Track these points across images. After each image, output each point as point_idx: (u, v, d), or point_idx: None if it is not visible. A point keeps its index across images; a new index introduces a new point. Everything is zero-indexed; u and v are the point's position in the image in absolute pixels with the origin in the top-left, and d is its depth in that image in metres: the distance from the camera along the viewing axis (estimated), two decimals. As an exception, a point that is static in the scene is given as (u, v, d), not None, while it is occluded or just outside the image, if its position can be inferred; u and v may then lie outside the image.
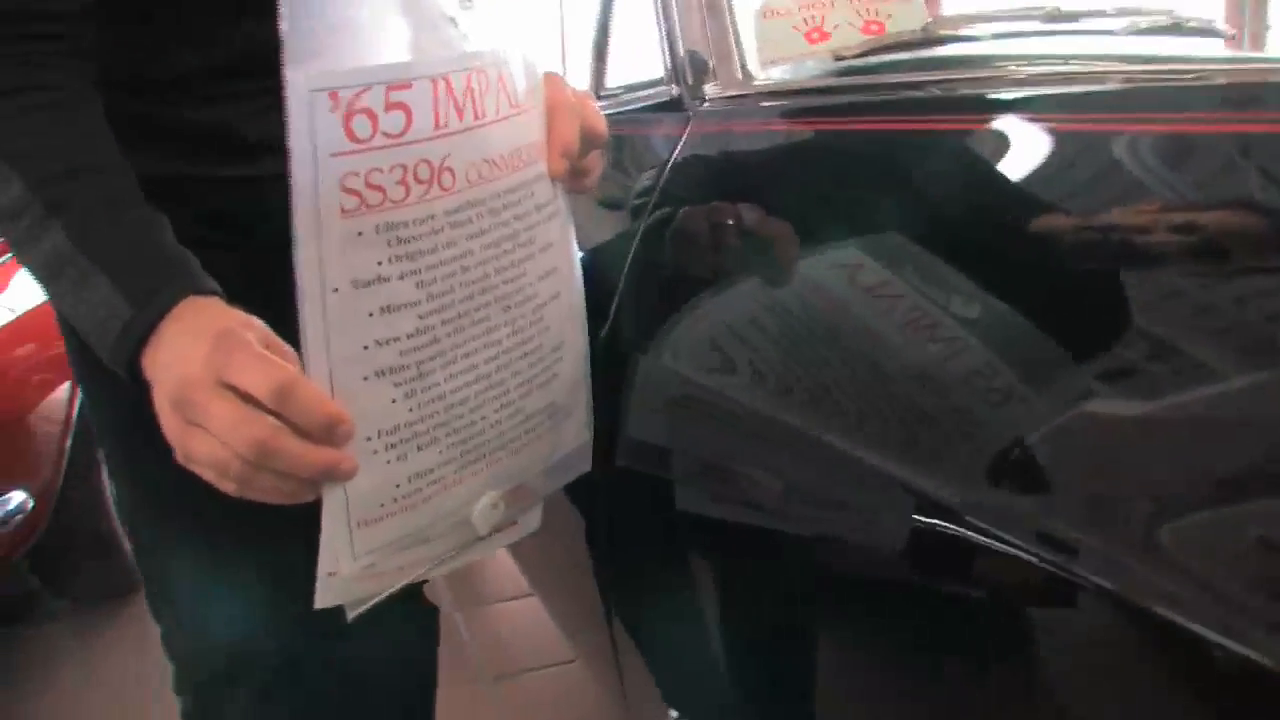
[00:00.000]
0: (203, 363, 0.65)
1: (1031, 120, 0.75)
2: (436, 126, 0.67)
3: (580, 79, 1.44)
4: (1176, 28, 1.20)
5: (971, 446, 0.64)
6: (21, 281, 2.35)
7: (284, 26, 0.59)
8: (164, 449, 0.70)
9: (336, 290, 0.65)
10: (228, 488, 0.67)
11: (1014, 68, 0.95)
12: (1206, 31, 1.24)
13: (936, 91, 0.88)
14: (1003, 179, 0.72)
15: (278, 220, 0.69)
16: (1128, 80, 0.80)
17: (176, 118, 0.89)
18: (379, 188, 0.65)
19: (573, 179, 0.84)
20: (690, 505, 0.86)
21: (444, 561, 0.80)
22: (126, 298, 0.71)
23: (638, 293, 0.98)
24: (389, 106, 0.64)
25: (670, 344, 0.90)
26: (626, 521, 1.00)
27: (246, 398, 0.64)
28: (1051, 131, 0.73)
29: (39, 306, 2.34)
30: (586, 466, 0.90)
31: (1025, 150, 0.73)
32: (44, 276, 0.76)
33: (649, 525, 0.96)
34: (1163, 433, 0.54)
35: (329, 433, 0.65)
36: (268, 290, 0.69)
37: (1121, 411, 0.56)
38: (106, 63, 0.83)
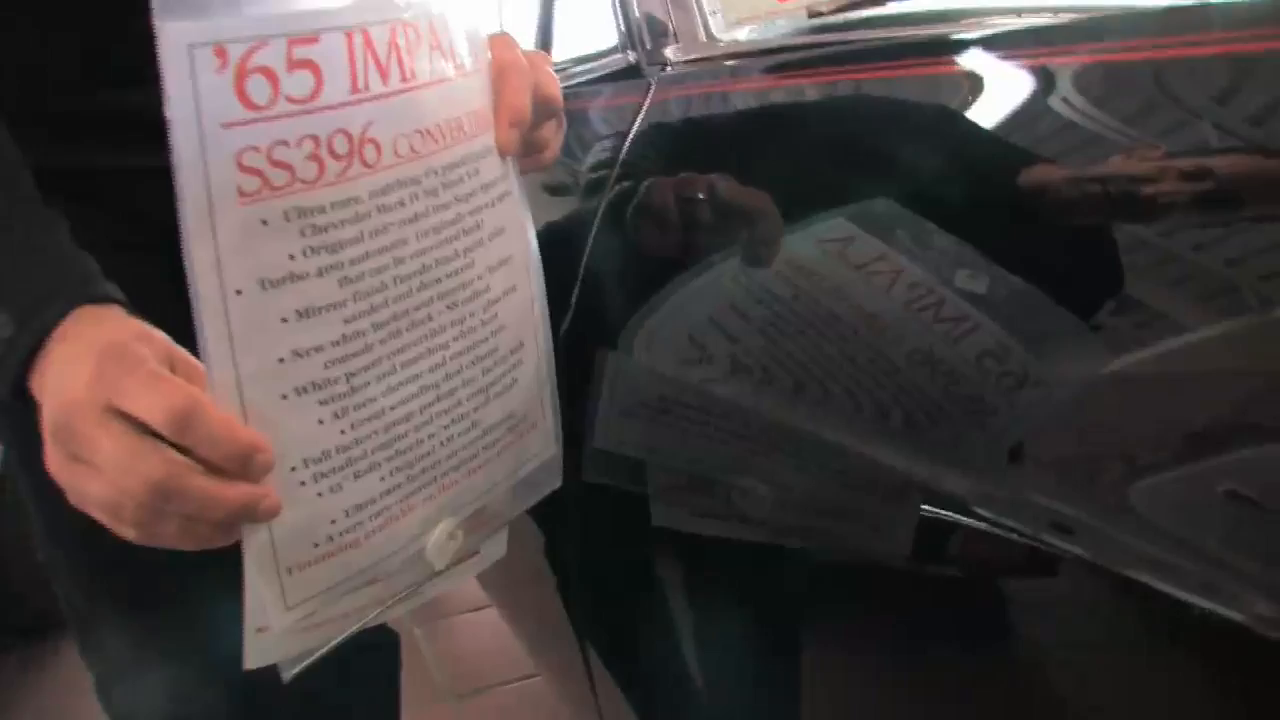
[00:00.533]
0: (87, 385, 0.54)
1: (1050, 55, 0.66)
2: (354, 90, 0.56)
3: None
4: None
5: (989, 438, 0.59)
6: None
7: None
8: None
9: (240, 292, 0.54)
10: (126, 534, 0.56)
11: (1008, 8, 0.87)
12: None
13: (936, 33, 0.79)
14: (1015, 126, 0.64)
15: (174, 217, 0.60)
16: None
17: (84, 105, 0.78)
18: (286, 165, 0.54)
19: (526, 153, 0.72)
20: (670, 521, 0.77)
21: (397, 603, 0.69)
22: (10, 311, 0.61)
23: (601, 279, 0.88)
24: (292, 65, 0.53)
25: (642, 337, 0.80)
26: (597, 540, 0.91)
27: (142, 426, 0.54)
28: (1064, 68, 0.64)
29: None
30: (557, 482, 0.79)
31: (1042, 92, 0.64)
32: None
33: (624, 545, 0.86)
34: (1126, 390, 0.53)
35: (244, 465, 0.54)
36: (172, 292, 0.57)
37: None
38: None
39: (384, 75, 0.57)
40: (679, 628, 0.85)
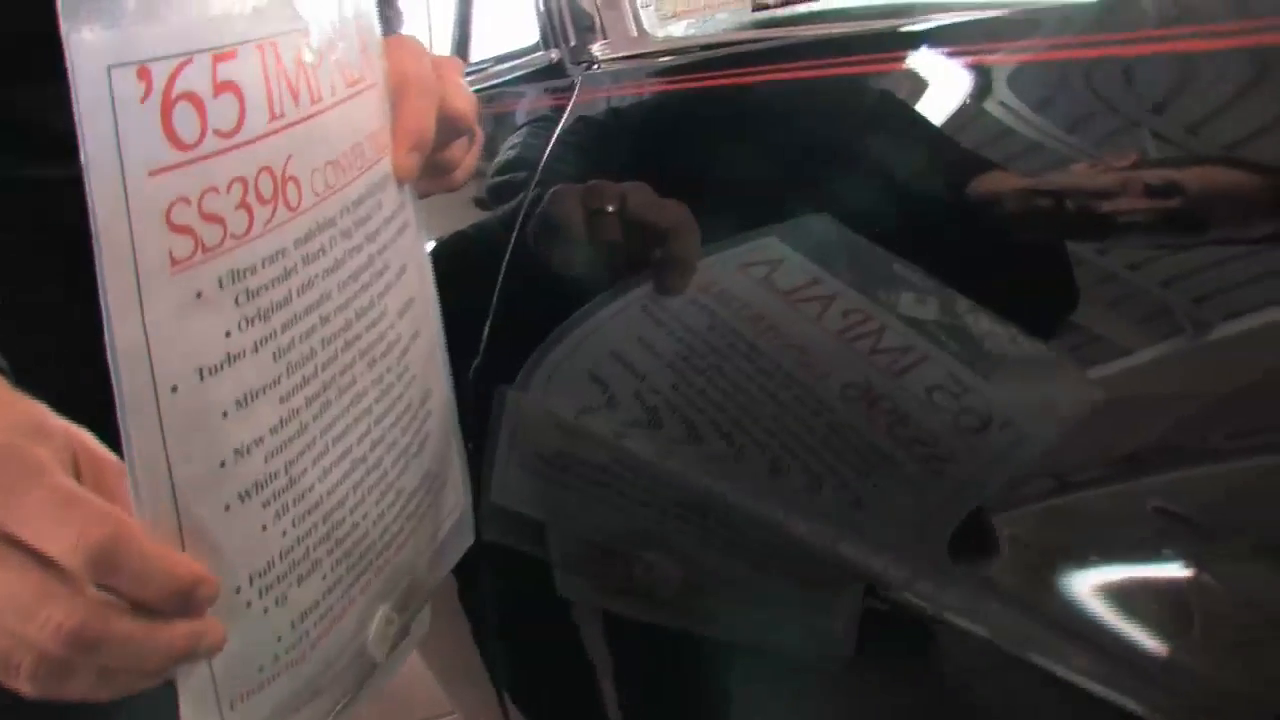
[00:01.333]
0: None
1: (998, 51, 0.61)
2: (272, 116, 0.45)
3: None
4: None
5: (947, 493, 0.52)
6: None
7: None
8: None
9: (176, 389, 0.42)
10: (20, 689, 0.44)
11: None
12: None
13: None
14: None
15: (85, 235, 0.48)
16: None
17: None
18: (217, 218, 0.43)
19: (432, 177, 0.62)
20: (572, 593, 0.69)
21: (343, 709, 0.59)
22: None
23: (515, 307, 0.78)
24: (217, 88, 0.42)
25: (542, 375, 0.70)
26: (509, 591, 0.82)
27: (39, 556, 0.42)
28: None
29: None
30: (470, 539, 0.70)
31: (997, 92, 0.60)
32: None
33: (536, 599, 0.77)
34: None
35: (184, 602, 0.44)
36: (99, 338, 0.47)
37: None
38: None
39: (295, 97, 0.46)
40: (598, 676, 0.77)
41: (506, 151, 0.87)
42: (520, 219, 0.79)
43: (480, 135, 0.67)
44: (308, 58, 0.48)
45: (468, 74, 1.16)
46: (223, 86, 0.42)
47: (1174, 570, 0.43)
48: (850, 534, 0.54)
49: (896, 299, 0.57)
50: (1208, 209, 0.48)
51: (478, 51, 1.20)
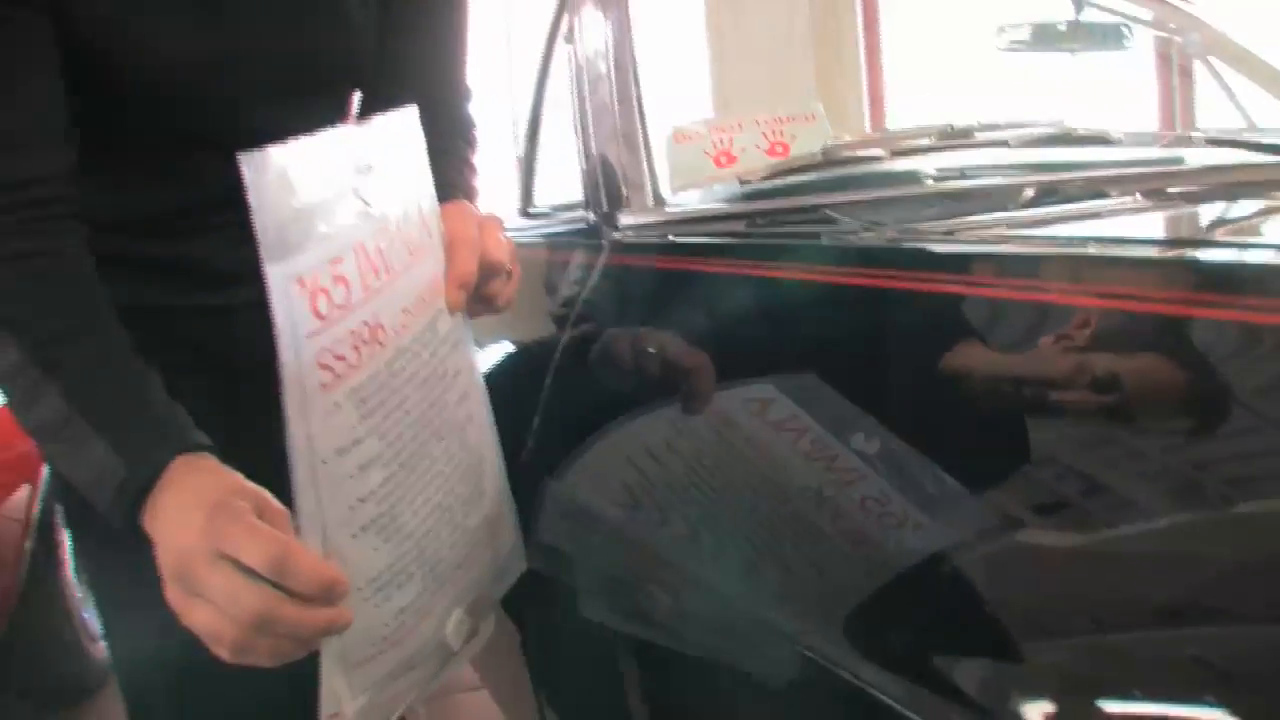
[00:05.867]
0: (199, 535, 0.67)
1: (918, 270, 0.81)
2: (365, 290, 0.72)
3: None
4: (1066, 137, 1.28)
5: (865, 574, 0.68)
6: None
7: (256, 223, 0.64)
8: (149, 595, 0.71)
9: (325, 462, 0.70)
10: (223, 654, 0.69)
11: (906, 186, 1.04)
12: (1096, 140, 1.32)
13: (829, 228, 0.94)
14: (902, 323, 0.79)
15: (245, 346, 0.78)
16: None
17: (153, 252, 0.96)
18: (342, 357, 0.70)
19: (477, 305, 0.88)
20: (594, 614, 0.92)
21: (429, 682, 0.86)
22: (122, 459, 0.74)
23: (550, 416, 1.04)
24: (334, 280, 0.69)
25: (576, 470, 0.95)
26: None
27: (245, 568, 0.67)
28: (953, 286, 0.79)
29: (-4, 409, 2.39)
30: (523, 566, 0.95)
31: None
32: (42, 437, 0.80)
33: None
34: (1099, 563, 0.57)
35: (327, 595, 0.68)
36: (246, 418, 0.78)
37: (1057, 543, 0.59)
38: (86, 203, 0.87)
39: (376, 273, 0.74)
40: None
41: (559, 302, 1.13)
42: (560, 349, 1.06)
43: (517, 273, 0.92)
44: (383, 244, 0.75)
45: (532, 215, 1.43)
46: (337, 279, 0.70)
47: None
48: (787, 591, 0.72)
49: (850, 436, 0.73)
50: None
51: (541, 198, 1.46)
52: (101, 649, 2.66)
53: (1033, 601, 0.57)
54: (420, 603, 0.80)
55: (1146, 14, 1.90)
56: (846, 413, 0.74)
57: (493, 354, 1.25)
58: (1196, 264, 0.72)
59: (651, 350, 0.95)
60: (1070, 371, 0.66)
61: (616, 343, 1.01)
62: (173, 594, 0.70)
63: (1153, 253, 0.81)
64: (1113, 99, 2.72)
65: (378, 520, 0.74)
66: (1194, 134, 1.36)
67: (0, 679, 2.48)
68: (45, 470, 2.49)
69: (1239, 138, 1.27)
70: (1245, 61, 1.78)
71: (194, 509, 0.69)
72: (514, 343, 1.21)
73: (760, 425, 0.80)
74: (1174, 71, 2.49)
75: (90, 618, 2.63)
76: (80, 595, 2.59)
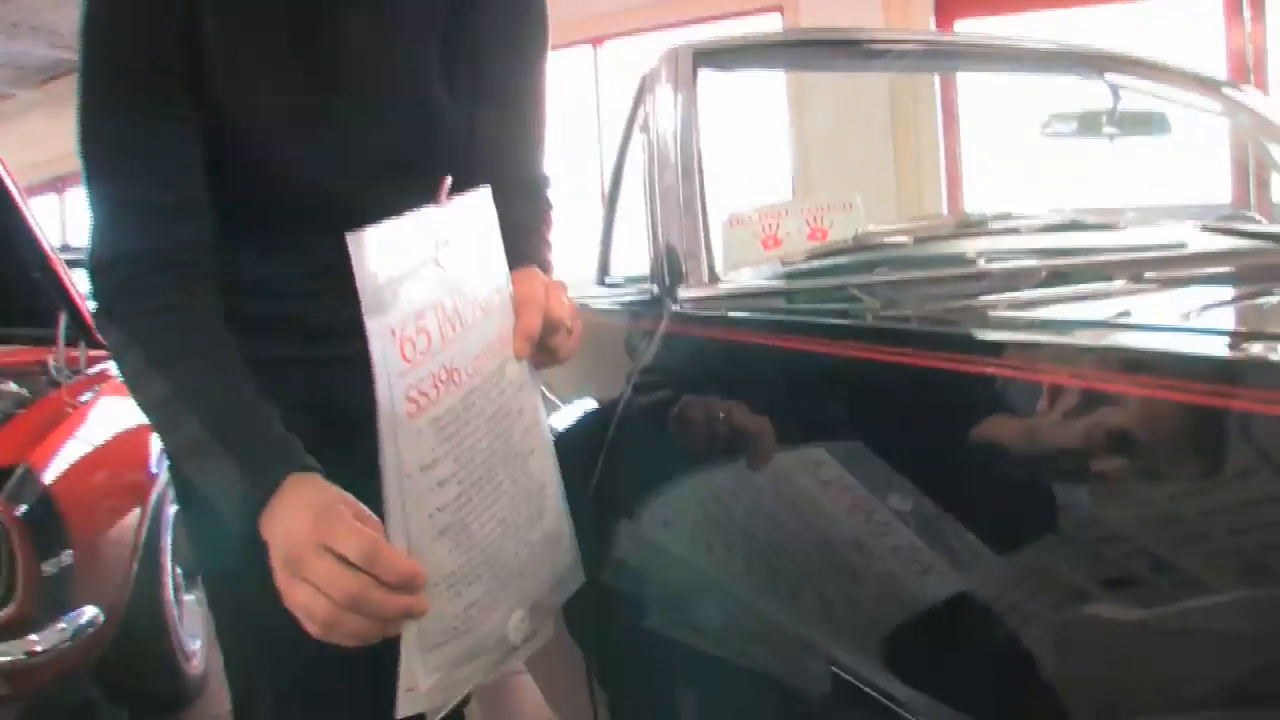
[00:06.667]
0: (308, 529, 0.84)
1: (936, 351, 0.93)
2: (443, 340, 0.90)
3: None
4: (1075, 225, 1.42)
5: (891, 607, 0.77)
6: (96, 418, 2.62)
7: (358, 286, 0.83)
8: (261, 588, 0.88)
9: (409, 476, 0.87)
10: (314, 630, 0.84)
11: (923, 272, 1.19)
12: (1103, 226, 1.45)
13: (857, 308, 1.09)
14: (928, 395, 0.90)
15: (341, 390, 0.97)
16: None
17: (266, 310, 1.15)
18: (424, 393, 0.88)
19: (542, 356, 1.03)
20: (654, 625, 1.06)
21: (492, 671, 1.02)
22: (248, 476, 0.92)
23: (614, 460, 1.21)
24: (418, 332, 0.87)
25: (649, 506, 1.10)
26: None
27: (342, 559, 0.82)
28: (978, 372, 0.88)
29: (110, 441, 2.61)
30: (581, 578, 1.10)
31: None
32: (180, 456, 1.00)
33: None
34: (1162, 639, 0.60)
35: (408, 585, 0.84)
36: (343, 448, 0.95)
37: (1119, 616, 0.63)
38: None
39: (452, 327, 0.91)
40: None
41: (624, 364, 1.29)
42: (621, 406, 1.24)
43: (578, 330, 1.06)
44: (458, 303, 0.93)
45: (608, 284, 1.61)
46: (420, 330, 0.88)
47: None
48: (823, 615, 0.82)
49: (887, 495, 0.82)
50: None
51: (617, 269, 1.64)
52: (195, 666, 2.86)
53: (1029, 636, 0.65)
54: (486, 600, 0.96)
55: (1188, 99, 1.99)
56: (884, 475, 0.84)
57: (573, 406, 1.42)
58: (1164, 353, 0.81)
59: (721, 414, 1.10)
60: (1042, 442, 0.76)
61: (691, 406, 1.16)
62: (280, 576, 0.87)
63: (1128, 338, 0.92)
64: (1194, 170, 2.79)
65: (451, 527, 0.91)
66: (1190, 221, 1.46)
67: (103, 690, 2.69)
68: (152, 498, 2.72)
69: (1233, 226, 1.39)
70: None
71: (304, 509, 0.87)
72: (589, 396, 1.38)
73: (812, 484, 0.92)
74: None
75: (185, 637, 2.83)
76: (177, 615, 2.79)
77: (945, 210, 5.14)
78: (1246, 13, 4.62)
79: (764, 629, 0.88)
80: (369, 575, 0.82)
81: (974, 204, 5.14)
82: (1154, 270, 1.13)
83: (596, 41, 6.16)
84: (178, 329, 1.02)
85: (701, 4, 5.73)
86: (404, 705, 0.91)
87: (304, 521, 0.85)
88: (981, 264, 1.19)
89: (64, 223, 8.92)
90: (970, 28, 5.28)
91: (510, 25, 1.21)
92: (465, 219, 0.95)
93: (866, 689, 0.71)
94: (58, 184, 8.93)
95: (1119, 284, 1.10)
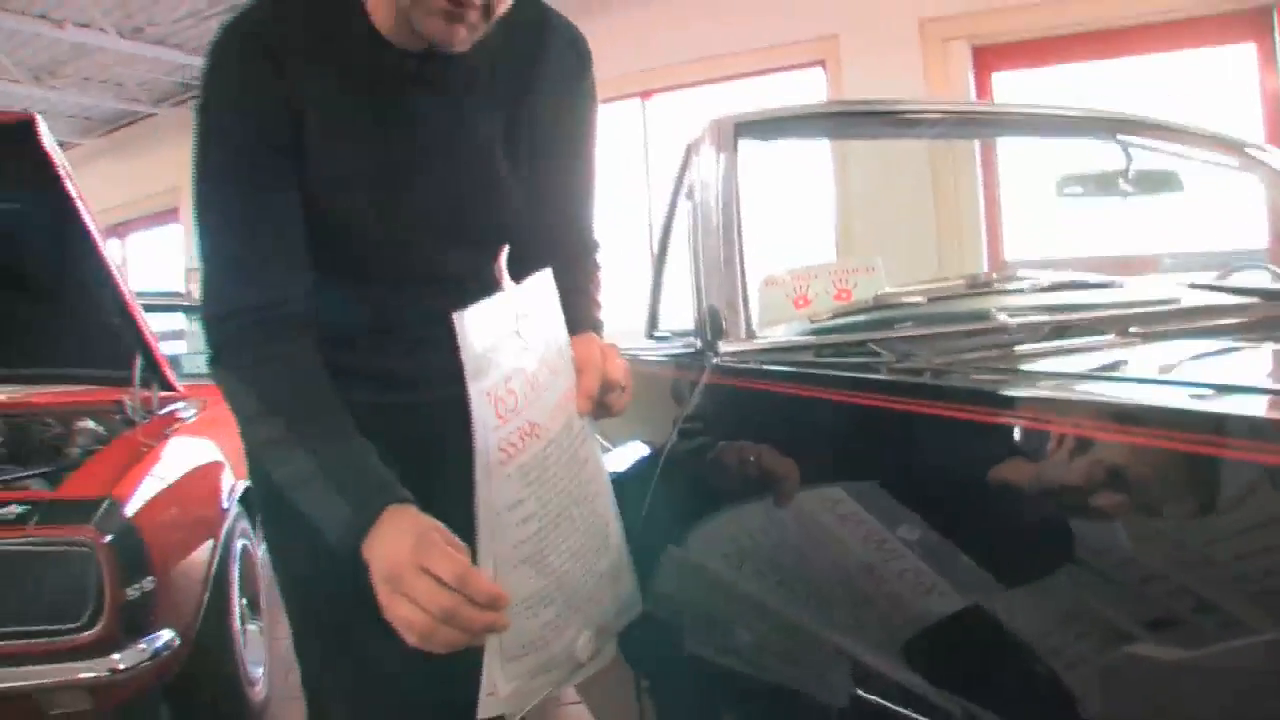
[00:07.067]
0: (409, 553, 0.98)
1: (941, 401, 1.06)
2: (525, 400, 1.04)
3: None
4: (1076, 284, 1.55)
5: (898, 623, 0.87)
6: (169, 457, 2.79)
7: (463, 355, 0.97)
8: (340, 603, 1.05)
9: (498, 514, 1.01)
10: (412, 640, 0.98)
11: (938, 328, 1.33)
12: (1102, 284, 1.57)
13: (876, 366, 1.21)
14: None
15: (424, 431, 1.12)
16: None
17: (357, 362, 1.29)
18: (514, 444, 1.02)
19: (599, 410, 1.17)
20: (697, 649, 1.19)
21: (562, 683, 1.16)
22: (352, 506, 1.06)
23: (659, 497, 1.35)
24: (507, 393, 1.02)
25: (689, 538, 1.24)
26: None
27: (438, 579, 0.96)
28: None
29: (184, 478, 2.78)
30: (640, 607, 1.22)
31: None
32: (288, 485, 1.12)
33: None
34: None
35: (493, 604, 0.98)
36: (428, 481, 1.09)
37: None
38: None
39: (532, 388, 1.06)
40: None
41: (669, 409, 1.44)
42: (668, 445, 1.37)
43: (629, 388, 1.20)
44: (536, 367, 1.07)
45: (655, 337, 1.75)
46: (509, 392, 1.02)
47: None
48: (840, 630, 0.91)
49: (898, 527, 0.93)
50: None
51: (666, 323, 1.79)
52: (258, 691, 3.00)
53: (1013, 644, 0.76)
54: (558, 621, 1.10)
55: (1212, 158, 2.08)
56: (895, 509, 0.95)
57: (625, 448, 1.55)
58: (1144, 406, 0.89)
59: (754, 456, 1.23)
60: (1029, 479, 0.87)
61: (729, 448, 1.30)
62: (381, 592, 1.00)
63: (1113, 389, 1.02)
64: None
65: (531, 558, 1.05)
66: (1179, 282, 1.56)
67: (173, 710, 2.82)
68: (223, 532, 2.88)
69: (1217, 283, 1.50)
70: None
71: (405, 535, 1.01)
72: (640, 438, 1.52)
73: (832, 519, 1.04)
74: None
75: (249, 664, 2.97)
76: (242, 643, 2.94)
77: (985, 262, 5.24)
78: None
79: (790, 647, 0.98)
80: (461, 594, 0.96)
81: (1014, 254, 5.25)
82: (1143, 325, 1.26)
83: (645, 95, 6.34)
84: (286, 377, 1.17)
85: (747, 59, 5.90)
86: (484, 708, 1.05)
87: (404, 546, 0.99)
88: (988, 321, 1.32)
89: (125, 267, 9.21)
90: (1008, 80, 5.44)
91: (564, 104, 1.37)
92: (536, 295, 1.09)
93: (883, 701, 0.81)
94: (119, 229, 9.25)
95: (1109, 338, 1.23)
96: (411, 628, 0.97)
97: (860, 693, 0.85)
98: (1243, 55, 4.83)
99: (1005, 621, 0.79)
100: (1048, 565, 0.78)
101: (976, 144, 5.03)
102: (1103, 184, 2.12)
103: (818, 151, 4.94)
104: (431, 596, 0.96)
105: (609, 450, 1.49)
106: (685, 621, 1.20)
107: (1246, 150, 2.07)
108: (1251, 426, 0.77)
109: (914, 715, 0.78)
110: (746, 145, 1.69)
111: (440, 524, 1.02)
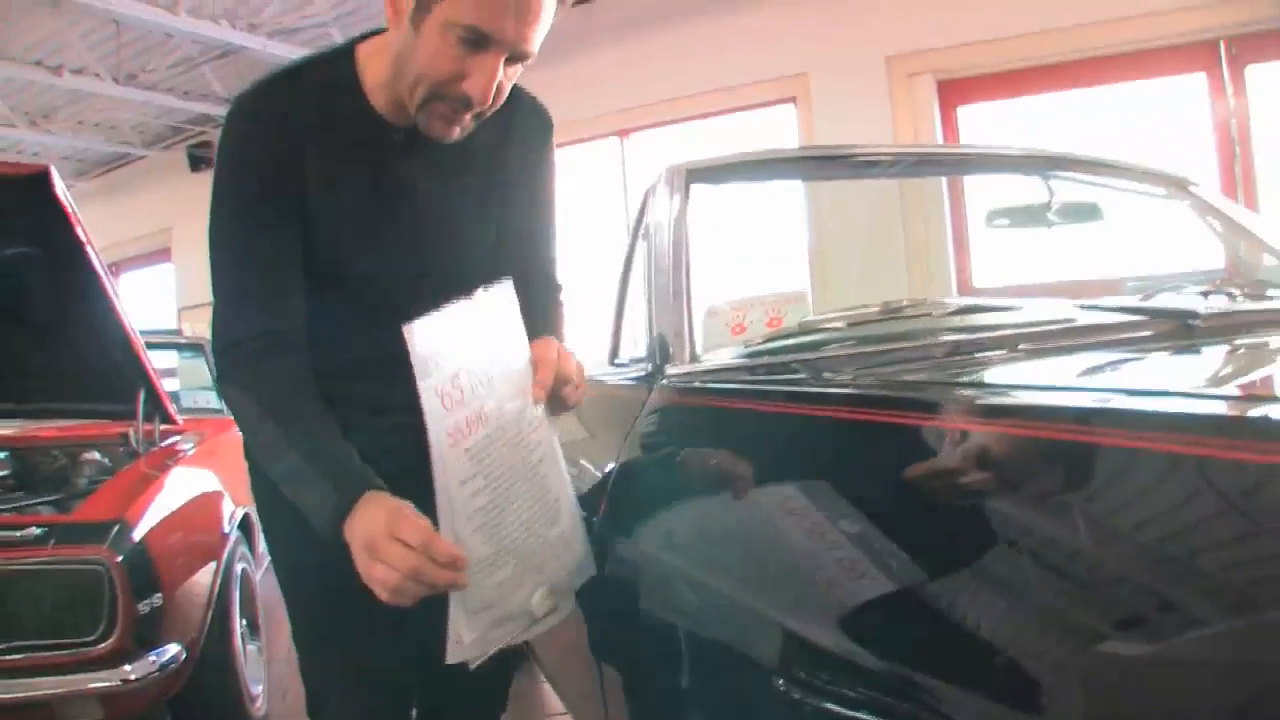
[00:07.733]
0: (382, 526, 1.18)
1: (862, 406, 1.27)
2: (474, 393, 1.23)
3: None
4: (976, 308, 1.74)
5: (833, 601, 0.97)
6: (172, 485, 2.97)
7: (412, 359, 1.17)
8: (329, 592, 1.27)
9: (453, 488, 1.20)
10: (385, 596, 1.19)
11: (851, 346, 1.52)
12: (1001, 308, 1.75)
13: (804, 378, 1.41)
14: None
15: (394, 446, 1.30)
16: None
17: (335, 390, 1.47)
18: (460, 430, 1.21)
19: (554, 404, 1.35)
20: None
21: (520, 634, 1.34)
22: (338, 492, 1.26)
23: (616, 494, 1.53)
24: (453, 387, 1.21)
25: (647, 524, 1.43)
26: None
27: (406, 545, 1.16)
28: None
29: (187, 504, 2.97)
30: (593, 570, 1.41)
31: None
32: (282, 478, 1.33)
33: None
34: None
35: (453, 564, 1.18)
36: (400, 485, 1.27)
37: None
38: None
39: (481, 384, 1.24)
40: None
41: (621, 426, 1.63)
42: (620, 457, 1.56)
43: (584, 386, 1.39)
44: (484, 365, 1.24)
45: (616, 364, 1.94)
46: (455, 387, 1.21)
47: None
48: (779, 601, 1.03)
49: (837, 520, 1.01)
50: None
51: (625, 351, 1.98)
52: (258, 707, 3.17)
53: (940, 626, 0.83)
54: (512, 580, 1.28)
55: (1158, 191, 2.26)
56: (830, 502, 1.06)
57: (586, 456, 1.72)
58: (1034, 406, 1.01)
59: (697, 462, 1.41)
60: (928, 470, 0.98)
61: (674, 456, 1.49)
62: (360, 559, 1.21)
63: (990, 395, 1.17)
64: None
65: (485, 526, 1.24)
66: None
67: (176, 720, 2.99)
68: (224, 555, 3.05)
69: (1103, 303, 1.63)
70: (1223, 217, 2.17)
71: (379, 512, 1.21)
72: (598, 448, 1.71)
73: (765, 512, 1.16)
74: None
75: (249, 680, 3.13)
76: (243, 660, 3.11)
77: (955, 289, 5.43)
78: (1229, 89, 4.92)
79: (732, 610, 1.11)
80: (426, 556, 1.16)
81: (981, 281, 5.44)
82: (1033, 343, 1.45)
83: (623, 133, 6.56)
84: (285, 388, 1.38)
85: (721, 97, 6.13)
86: (452, 654, 1.24)
87: (379, 520, 1.19)
88: (898, 341, 1.52)
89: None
90: (972, 113, 5.66)
91: (530, 165, 1.60)
92: (490, 305, 1.28)
93: (817, 674, 0.93)
94: (113, 269, 9.39)
95: (1001, 353, 1.43)
96: (385, 585, 1.17)
97: (802, 675, 0.94)
98: (1195, 84, 5.05)
99: (916, 594, 0.90)
100: (940, 542, 0.90)
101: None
102: (1029, 216, 2.31)
103: (791, 188, 5.13)
104: (401, 558, 1.16)
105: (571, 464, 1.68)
106: (640, 612, 1.34)
107: (1180, 183, 2.26)
108: (1111, 417, 0.88)
109: (853, 690, 0.88)
110: (699, 189, 1.88)
111: (409, 503, 1.22)
